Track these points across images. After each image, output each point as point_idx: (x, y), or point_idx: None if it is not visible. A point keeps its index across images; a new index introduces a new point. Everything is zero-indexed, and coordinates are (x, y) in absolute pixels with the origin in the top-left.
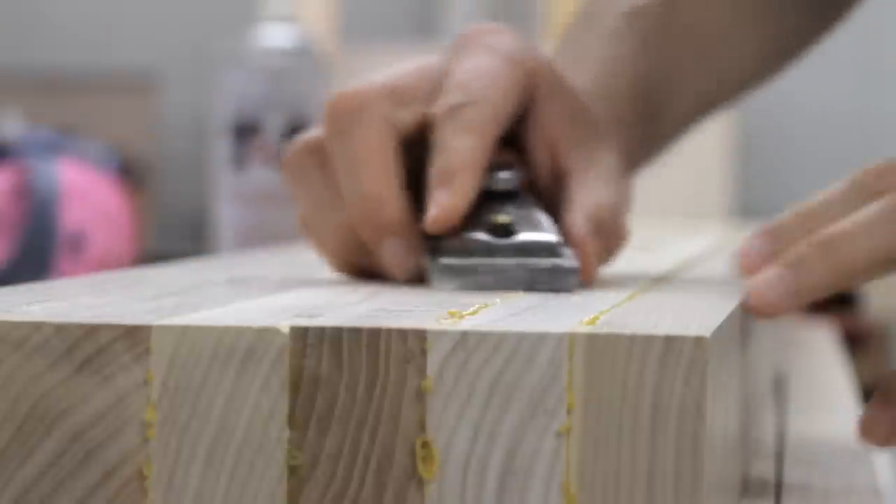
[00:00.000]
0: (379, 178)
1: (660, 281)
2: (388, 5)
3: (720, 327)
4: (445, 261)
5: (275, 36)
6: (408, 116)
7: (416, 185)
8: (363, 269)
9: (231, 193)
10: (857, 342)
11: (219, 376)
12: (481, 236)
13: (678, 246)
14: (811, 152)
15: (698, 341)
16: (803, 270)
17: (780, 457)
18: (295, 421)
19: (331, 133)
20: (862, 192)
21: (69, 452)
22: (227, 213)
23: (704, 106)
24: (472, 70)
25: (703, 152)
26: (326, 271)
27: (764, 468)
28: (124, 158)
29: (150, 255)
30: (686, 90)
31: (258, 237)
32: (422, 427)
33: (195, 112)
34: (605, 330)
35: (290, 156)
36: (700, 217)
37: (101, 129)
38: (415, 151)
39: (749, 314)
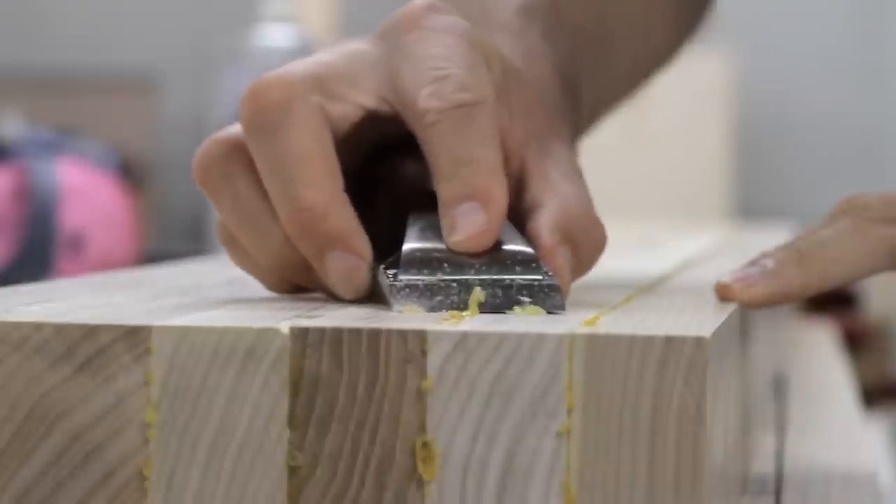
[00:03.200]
0: (319, 183)
1: (660, 281)
2: (388, 5)
3: (720, 328)
4: (407, 278)
5: (275, 36)
6: (342, 109)
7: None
8: (302, 287)
9: None
10: (857, 342)
11: (219, 377)
12: (445, 248)
13: (678, 246)
14: (811, 152)
15: (698, 342)
16: (779, 272)
17: (779, 456)
18: (295, 421)
19: (253, 130)
20: (833, 217)
21: (69, 453)
22: None
23: (608, 99)
24: (449, 57)
25: (703, 152)
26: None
27: (764, 468)
28: (124, 158)
29: (150, 255)
30: (589, 83)
31: None
32: (422, 427)
33: (195, 112)
34: (604, 330)
35: (205, 160)
36: (700, 217)
37: (101, 129)
38: (345, 146)
39: (726, 298)
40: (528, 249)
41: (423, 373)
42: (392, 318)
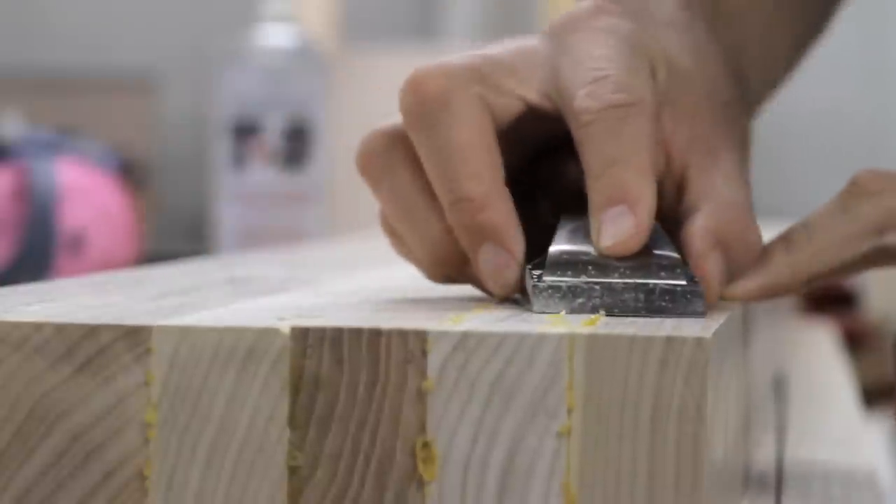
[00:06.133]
0: (479, 175)
1: None
2: (388, 6)
3: (720, 328)
4: (550, 279)
5: (275, 36)
6: (504, 101)
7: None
8: (460, 281)
9: (231, 193)
10: (857, 342)
11: (219, 377)
12: (592, 251)
13: None
14: (811, 152)
15: (699, 342)
16: (768, 263)
17: (779, 456)
18: (295, 421)
19: (414, 121)
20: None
21: (70, 453)
22: (227, 213)
23: (772, 86)
24: (610, 58)
25: None
26: (325, 270)
27: (764, 468)
28: (124, 158)
29: (150, 255)
30: (756, 74)
31: (258, 237)
32: (422, 428)
33: (195, 112)
34: (605, 331)
35: (367, 150)
36: None
37: (101, 129)
38: (507, 140)
39: (722, 299)
40: (674, 254)
41: (423, 373)
42: (392, 318)
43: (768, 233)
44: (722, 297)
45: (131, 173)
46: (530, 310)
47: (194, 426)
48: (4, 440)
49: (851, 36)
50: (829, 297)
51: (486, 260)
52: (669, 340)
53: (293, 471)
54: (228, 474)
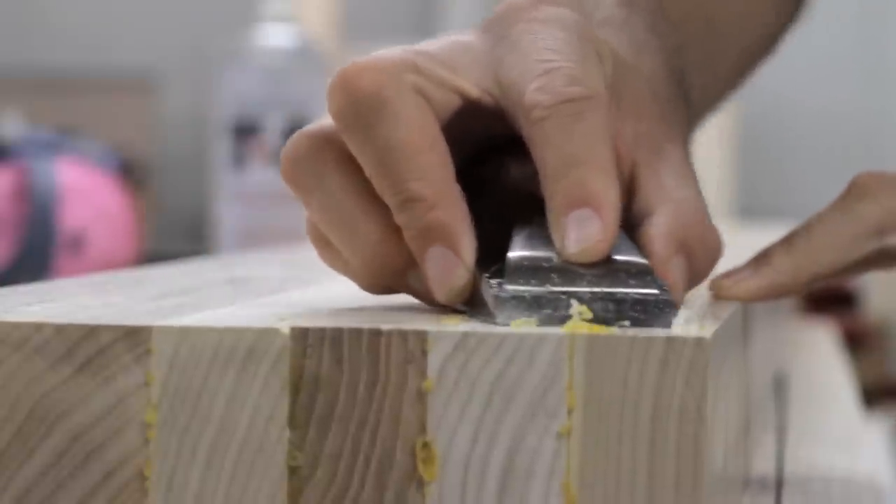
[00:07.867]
0: (428, 173)
1: None
2: (388, 5)
3: (721, 328)
4: (513, 288)
5: (275, 36)
6: (442, 94)
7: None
8: (399, 291)
9: (231, 193)
10: (857, 342)
11: (219, 377)
12: (554, 256)
13: None
14: (811, 152)
15: (699, 342)
16: (768, 263)
17: (779, 456)
18: (295, 422)
19: (348, 122)
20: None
21: (70, 453)
22: (227, 213)
23: (715, 94)
24: (558, 49)
25: (703, 152)
26: (325, 270)
27: (764, 468)
28: (124, 158)
29: (150, 255)
30: (698, 79)
31: (258, 237)
32: (422, 428)
33: (195, 112)
34: (605, 331)
35: (293, 156)
36: None
37: (101, 129)
38: (446, 138)
39: (719, 296)
40: (643, 260)
41: (423, 373)
42: (392, 318)
43: (767, 233)
44: (723, 297)
45: (131, 173)
46: (490, 321)
47: (194, 426)
48: (4, 440)
49: (851, 36)
50: (829, 298)
51: (434, 263)
52: (670, 341)
53: (293, 471)
54: (228, 474)
